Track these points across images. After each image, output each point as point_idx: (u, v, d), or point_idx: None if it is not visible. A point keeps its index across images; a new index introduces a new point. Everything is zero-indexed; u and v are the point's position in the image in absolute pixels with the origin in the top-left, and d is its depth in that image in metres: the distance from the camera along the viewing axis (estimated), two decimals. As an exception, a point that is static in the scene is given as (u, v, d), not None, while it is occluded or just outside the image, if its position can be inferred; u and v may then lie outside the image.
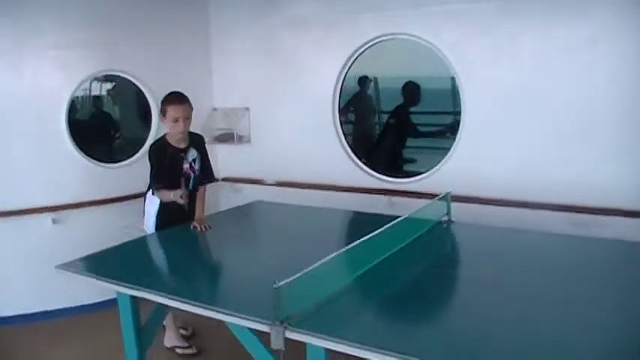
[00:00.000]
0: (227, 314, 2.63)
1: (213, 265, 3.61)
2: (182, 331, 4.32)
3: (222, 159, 5.74)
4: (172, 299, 2.80)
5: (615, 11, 3.93)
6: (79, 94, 5.59)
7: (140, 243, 3.80)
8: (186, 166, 3.95)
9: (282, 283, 2.42)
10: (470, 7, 4.42)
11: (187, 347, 4.19)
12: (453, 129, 4.81)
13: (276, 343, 2.44)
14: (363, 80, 7.63)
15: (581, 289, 2.78)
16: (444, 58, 4.60)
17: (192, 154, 3.99)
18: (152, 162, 3.86)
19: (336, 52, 5.05)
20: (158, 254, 3.83)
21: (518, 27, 4.28)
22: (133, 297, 3.12)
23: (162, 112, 3.86)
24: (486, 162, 4.52)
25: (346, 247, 2.95)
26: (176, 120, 3.81)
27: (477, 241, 3.80)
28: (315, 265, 2.66)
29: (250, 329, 2.56)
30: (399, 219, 3.51)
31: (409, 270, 3.18)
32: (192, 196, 3.95)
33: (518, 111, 4.35)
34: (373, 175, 5.08)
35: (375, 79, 7.94)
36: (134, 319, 3.36)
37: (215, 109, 5.76)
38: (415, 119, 6.18)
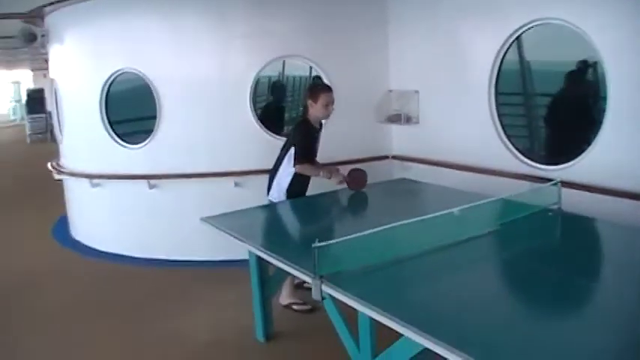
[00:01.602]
0: (294, 268, 3.26)
1: (318, 231, 4.13)
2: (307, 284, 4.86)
3: (395, 138, 6.17)
4: (274, 258, 3.48)
5: None
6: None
7: (271, 209, 4.68)
8: (317, 145, 4.73)
9: (321, 244, 2.93)
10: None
11: (303, 304, 4.76)
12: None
13: (315, 294, 2.99)
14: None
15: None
16: (590, 42, 4.40)
17: (320, 135, 4.71)
18: (301, 138, 4.62)
19: (492, 38, 5.17)
20: (279, 220, 4.52)
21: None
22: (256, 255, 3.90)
23: (314, 98, 4.57)
24: (631, 153, 4.25)
25: (411, 220, 3.27)
26: (327, 105, 4.53)
27: (576, 233, 3.74)
28: (365, 232, 3.07)
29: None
30: (489, 199, 3.67)
31: (481, 255, 3.40)
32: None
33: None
34: (522, 161, 5.09)
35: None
36: (258, 271, 4.23)
37: (390, 91, 6.18)
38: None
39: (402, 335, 2.55)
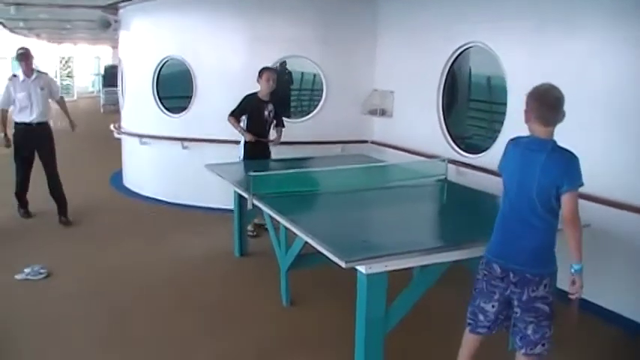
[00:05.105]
0: (238, 188, 5.44)
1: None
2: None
3: (376, 127, 8.21)
4: (236, 185, 5.71)
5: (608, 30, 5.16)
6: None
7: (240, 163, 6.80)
8: (265, 113, 6.78)
9: (254, 173, 4.99)
10: (516, 24, 5.99)
11: (252, 231, 7.06)
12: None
13: (249, 205, 5.06)
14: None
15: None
16: (499, 62, 6.24)
17: (270, 107, 6.73)
18: (240, 103, 6.74)
19: (442, 53, 7.05)
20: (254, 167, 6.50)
21: (544, 41, 5.74)
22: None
23: (260, 76, 6.74)
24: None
25: (329, 168, 5.48)
26: (268, 80, 6.67)
27: (451, 194, 5.59)
28: (289, 171, 5.20)
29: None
30: (392, 163, 5.67)
31: (377, 198, 5.35)
32: (267, 136, 6.92)
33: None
34: (453, 148, 6.98)
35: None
36: (238, 204, 6.31)
37: (375, 90, 8.16)
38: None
39: (297, 235, 4.54)
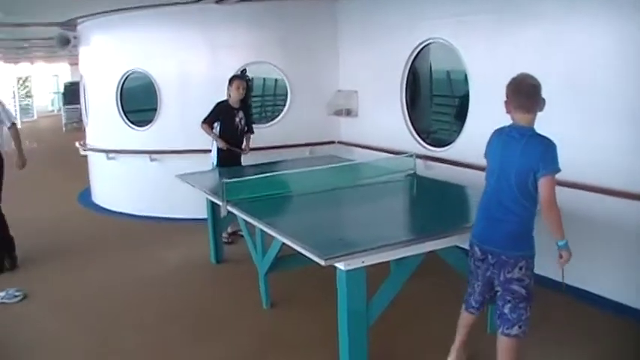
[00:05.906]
0: (211, 196, 5.43)
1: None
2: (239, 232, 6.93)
3: (342, 127, 8.30)
4: (206, 192, 5.74)
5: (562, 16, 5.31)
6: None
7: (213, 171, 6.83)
8: (236, 120, 6.84)
9: (227, 180, 5.02)
10: (475, 18, 6.11)
11: (227, 238, 7.09)
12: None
13: (223, 211, 5.08)
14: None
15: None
16: (460, 56, 6.36)
17: (240, 114, 6.76)
18: (211, 110, 6.84)
19: (403, 51, 7.14)
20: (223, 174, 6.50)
21: (502, 31, 5.89)
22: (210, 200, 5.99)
23: (230, 84, 6.86)
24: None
25: (298, 170, 5.52)
26: (238, 88, 6.78)
27: (420, 187, 5.69)
28: (261, 175, 5.25)
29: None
30: (361, 162, 5.74)
31: (350, 196, 5.44)
32: (239, 142, 6.92)
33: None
34: (420, 143, 7.08)
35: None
36: (211, 212, 6.35)
37: (339, 91, 8.25)
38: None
39: (274, 238, 4.58)
